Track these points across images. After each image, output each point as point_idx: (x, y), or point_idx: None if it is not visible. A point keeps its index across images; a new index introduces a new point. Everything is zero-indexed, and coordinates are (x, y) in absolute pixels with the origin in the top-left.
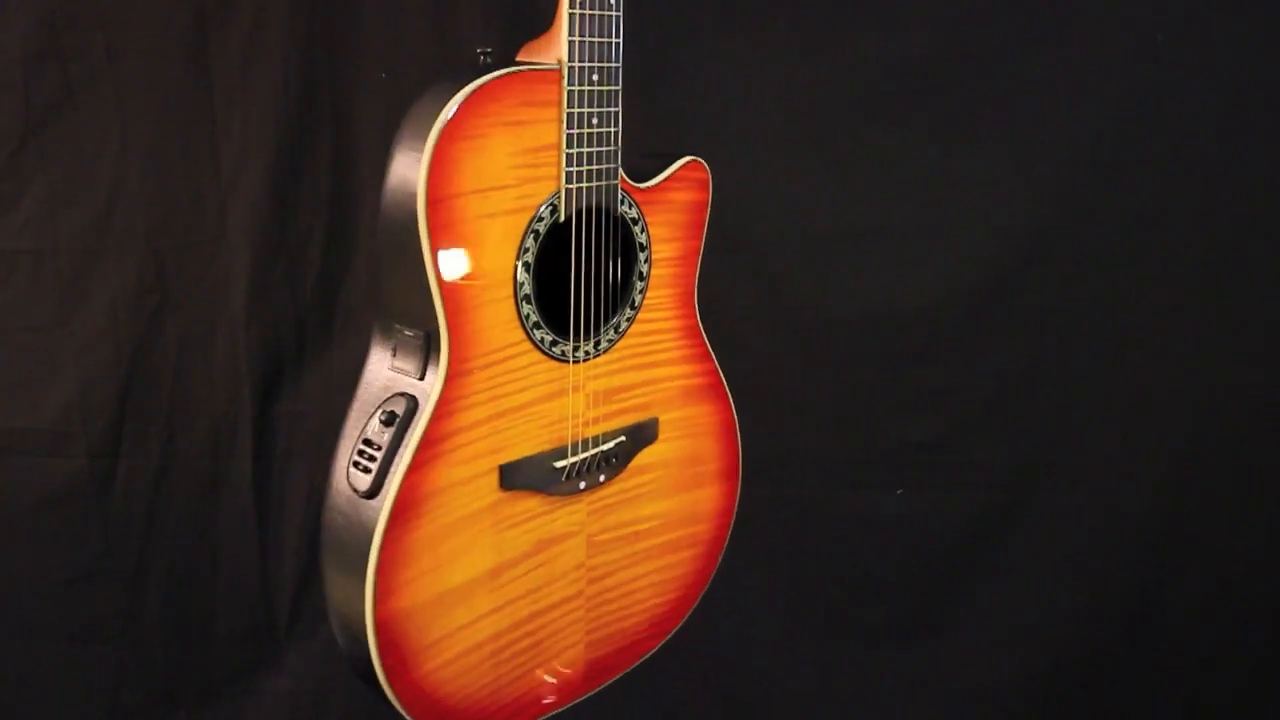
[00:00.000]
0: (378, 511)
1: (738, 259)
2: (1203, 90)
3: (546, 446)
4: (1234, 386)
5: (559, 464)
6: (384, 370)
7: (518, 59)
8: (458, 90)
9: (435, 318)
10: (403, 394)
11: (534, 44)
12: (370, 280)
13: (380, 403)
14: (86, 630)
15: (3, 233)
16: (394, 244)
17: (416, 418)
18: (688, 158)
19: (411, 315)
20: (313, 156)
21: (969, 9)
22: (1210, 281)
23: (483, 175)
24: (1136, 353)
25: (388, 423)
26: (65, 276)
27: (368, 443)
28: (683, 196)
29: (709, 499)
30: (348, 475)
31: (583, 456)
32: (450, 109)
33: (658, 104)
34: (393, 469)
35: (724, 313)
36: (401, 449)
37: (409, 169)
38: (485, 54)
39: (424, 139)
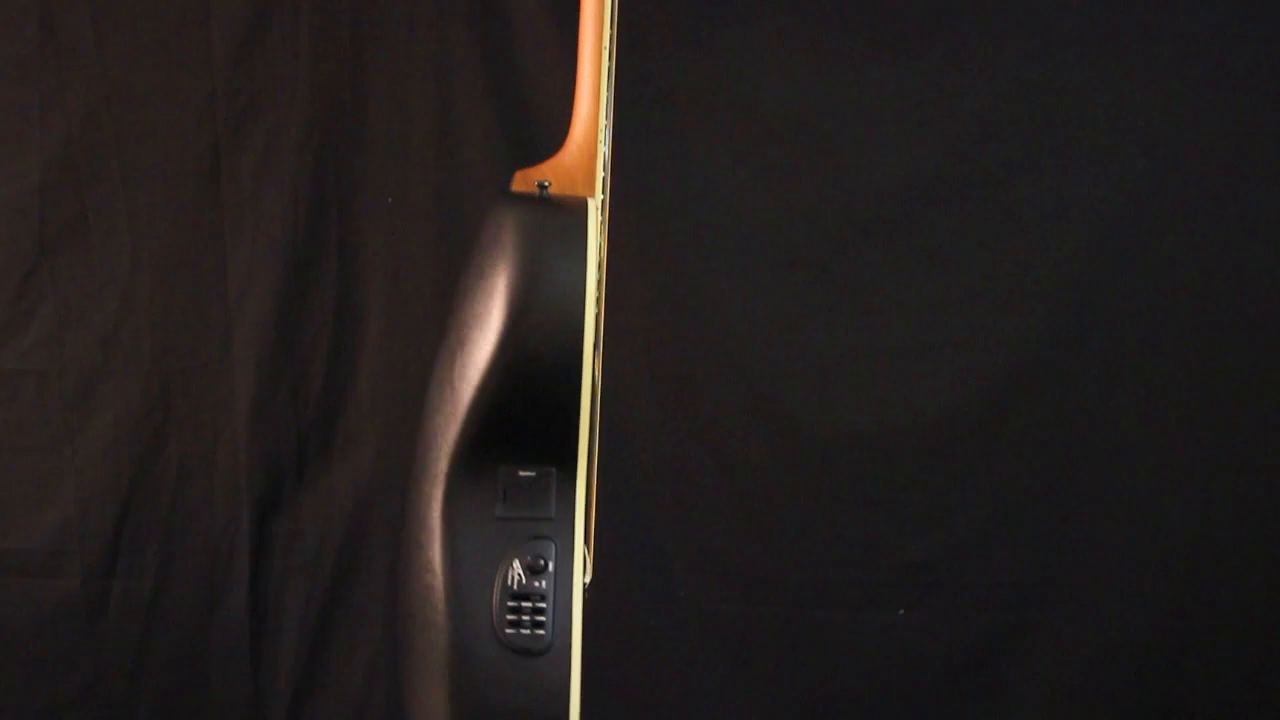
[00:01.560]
0: (562, 665)
1: (735, 379)
2: (1192, 210)
3: None
4: (1236, 499)
5: None
6: (487, 522)
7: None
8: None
9: (574, 442)
10: (542, 537)
11: (530, 172)
12: (425, 436)
13: (509, 555)
14: None
15: (10, 354)
16: (534, 377)
17: (571, 556)
18: None
19: (535, 452)
20: (318, 279)
21: (960, 135)
22: (1209, 395)
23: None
24: (1137, 468)
25: (538, 570)
26: (69, 397)
27: (519, 597)
28: None
29: None
30: (502, 639)
31: None
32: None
33: (655, 227)
34: (569, 616)
35: (722, 431)
36: (572, 592)
37: (566, 279)
38: (543, 186)
39: (574, 252)
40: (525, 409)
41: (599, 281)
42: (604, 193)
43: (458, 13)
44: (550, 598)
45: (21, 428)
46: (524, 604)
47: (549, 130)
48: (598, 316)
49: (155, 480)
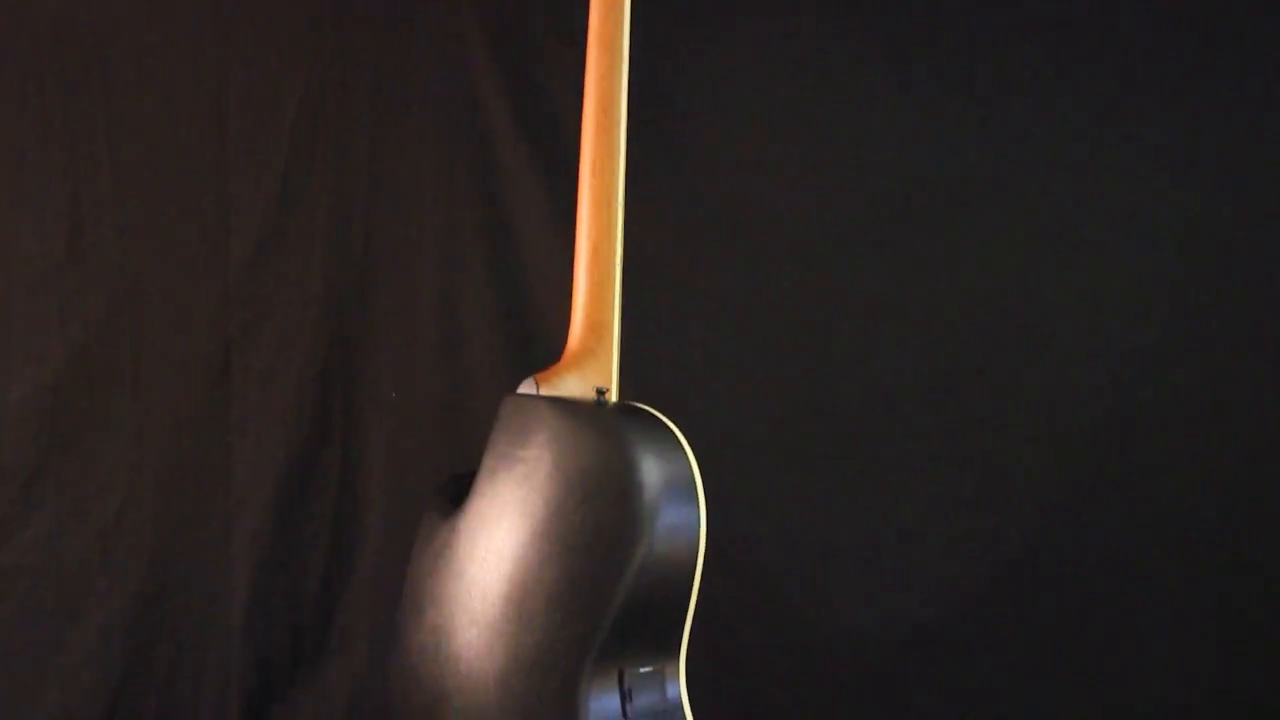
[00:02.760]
0: None
1: (733, 574)
2: (1174, 410)
3: None
4: (1234, 692)
5: None
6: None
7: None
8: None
9: (679, 637)
10: None
11: (548, 374)
12: (527, 635)
13: None
14: None
15: (7, 552)
16: (667, 579)
17: None
18: None
19: (651, 651)
20: (320, 476)
21: (939, 339)
22: (1207, 589)
23: None
24: (1133, 662)
25: None
26: (64, 594)
27: None
28: None
29: None
30: None
31: None
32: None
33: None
34: None
35: (722, 627)
36: None
37: (681, 482)
38: (602, 393)
39: (679, 456)
40: (654, 608)
41: None
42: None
43: (465, 222)
44: None
45: (12, 627)
46: None
47: (551, 330)
48: None
49: (144, 683)
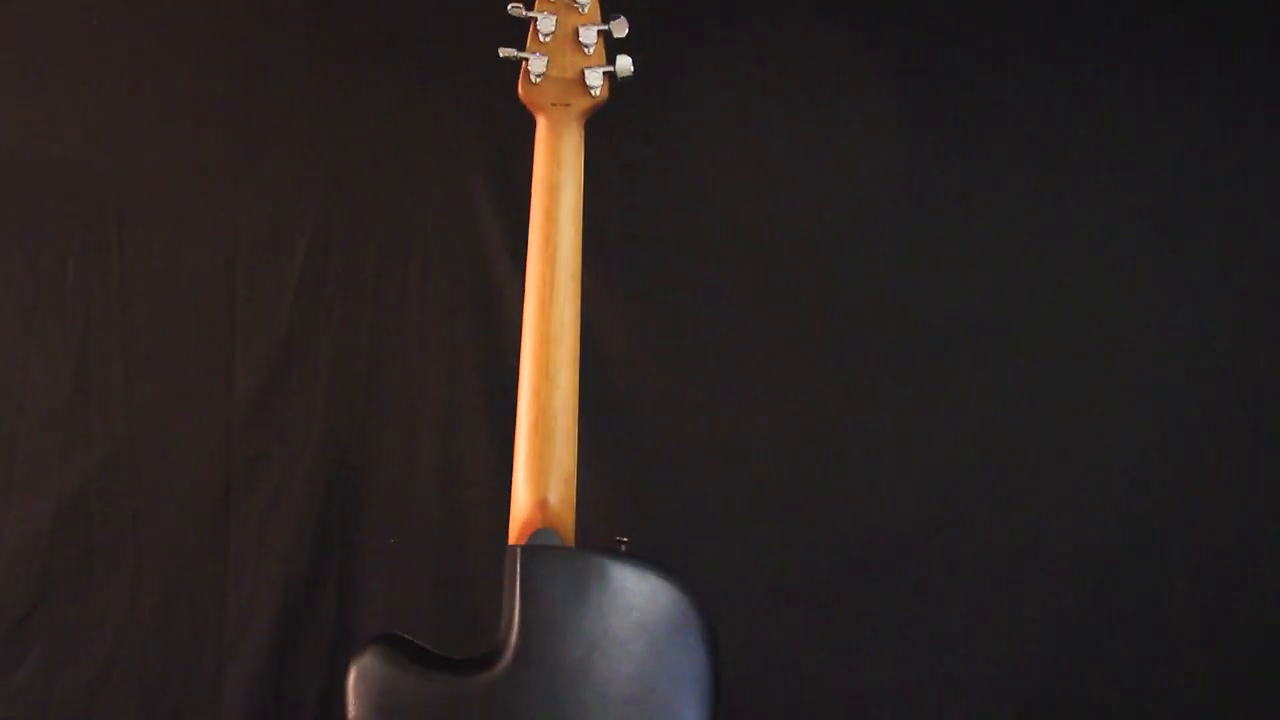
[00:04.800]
0: None
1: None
2: (1179, 544)
3: None
4: None
5: None
6: None
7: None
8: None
9: None
10: None
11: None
12: None
13: None
14: None
15: None
16: None
17: None
18: None
19: None
20: (315, 621)
21: (940, 479)
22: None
23: None
24: None
25: None
26: None
27: None
28: None
29: None
30: None
31: None
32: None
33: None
34: None
35: None
36: None
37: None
38: (622, 542)
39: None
40: None
41: None
42: None
43: (468, 365)
44: None
45: None
46: None
47: None
48: None
49: None
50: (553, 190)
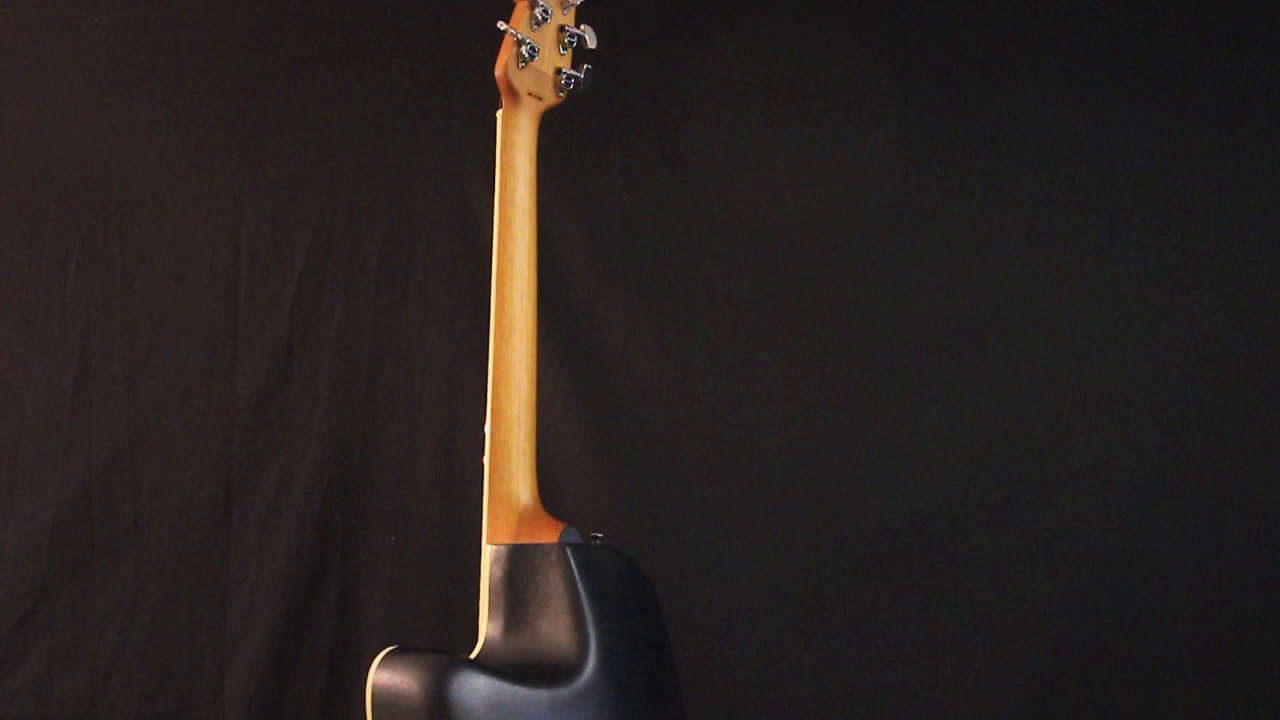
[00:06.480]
0: None
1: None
2: (1185, 535)
3: None
4: None
5: None
6: None
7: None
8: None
9: None
10: None
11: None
12: None
13: None
14: None
15: None
16: None
17: None
18: None
19: None
20: (316, 619)
21: (940, 480)
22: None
23: None
24: None
25: None
26: None
27: None
28: None
29: None
30: None
31: None
32: None
33: (659, 567)
34: None
35: None
36: None
37: None
38: (596, 538)
39: None
40: None
41: None
42: None
43: (467, 367)
44: None
45: None
46: None
47: (547, 477)
48: None
49: None
50: (511, 183)
